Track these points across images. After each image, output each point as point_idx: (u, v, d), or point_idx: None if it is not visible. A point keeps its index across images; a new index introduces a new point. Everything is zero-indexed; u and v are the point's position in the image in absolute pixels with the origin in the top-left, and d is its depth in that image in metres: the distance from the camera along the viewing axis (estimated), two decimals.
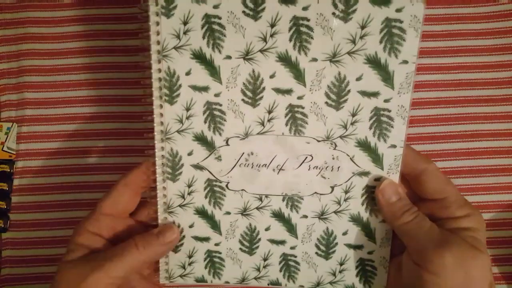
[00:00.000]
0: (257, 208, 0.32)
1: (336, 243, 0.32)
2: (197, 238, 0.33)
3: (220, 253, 0.33)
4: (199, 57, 0.29)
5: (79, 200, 0.41)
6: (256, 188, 0.31)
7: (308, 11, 0.28)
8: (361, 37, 0.28)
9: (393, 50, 0.28)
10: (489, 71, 0.42)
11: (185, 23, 0.28)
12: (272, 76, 0.29)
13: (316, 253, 0.33)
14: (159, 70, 0.29)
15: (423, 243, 0.28)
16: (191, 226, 0.32)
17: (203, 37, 0.29)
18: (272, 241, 0.33)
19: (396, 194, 0.30)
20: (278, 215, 0.32)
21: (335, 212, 0.32)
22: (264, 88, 0.29)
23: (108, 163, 0.42)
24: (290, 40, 0.28)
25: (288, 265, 0.33)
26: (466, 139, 0.41)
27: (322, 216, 0.32)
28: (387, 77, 0.29)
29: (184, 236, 0.33)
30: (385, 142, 0.30)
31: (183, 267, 0.33)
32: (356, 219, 0.32)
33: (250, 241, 0.33)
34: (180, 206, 0.32)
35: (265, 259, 0.33)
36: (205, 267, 0.33)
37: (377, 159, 0.30)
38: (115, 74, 0.42)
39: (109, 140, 0.42)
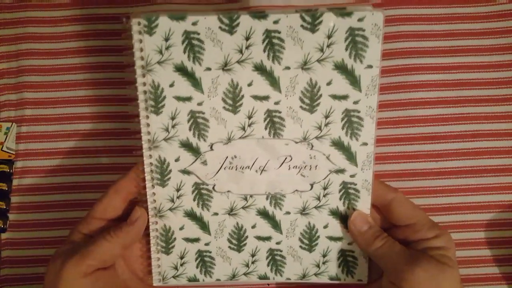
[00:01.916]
0: (243, 208, 0.34)
1: (318, 236, 0.35)
2: (187, 240, 0.35)
3: (210, 252, 0.35)
4: (181, 70, 0.31)
5: (78, 200, 0.41)
6: (241, 189, 0.34)
7: (279, 24, 0.30)
8: (328, 46, 0.31)
9: (358, 56, 0.31)
10: (489, 71, 0.42)
11: (166, 39, 0.31)
12: (249, 85, 0.32)
13: (300, 246, 0.35)
14: (144, 84, 0.32)
15: (396, 263, 0.31)
16: (181, 228, 0.34)
17: (184, 52, 0.31)
18: (259, 238, 0.35)
19: (366, 223, 0.33)
20: (263, 213, 0.34)
21: (316, 207, 0.34)
22: (243, 96, 0.32)
23: (108, 163, 0.42)
24: (264, 51, 0.31)
25: (275, 260, 0.35)
26: (466, 139, 0.42)
27: (303, 211, 0.34)
28: (354, 81, 0.31)
29: (175, 238, 0.35)
30: (357, 140, 0.33)
31: (176, 268, 0.35)
32: (335, 213, 0.34)
33: (238, 239, 0.35)
34: (170, 209, 0.34)
35: (253, 255, 0.35)
36: (197, 267, 0.35)
37: (351, 157, 0.33)
38: (115, 74, 0.42)
39: (109, 140, 0.42)
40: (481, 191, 0.42)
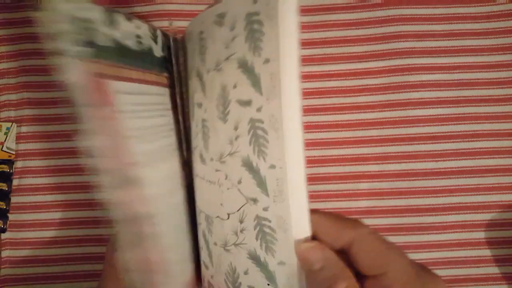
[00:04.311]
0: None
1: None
2: None
3: None
4: None
5: (78, 200, 0.41)
6: None
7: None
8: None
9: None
10: (489, 71, 0.42)
11: None
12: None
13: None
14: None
15: None
16: None
17: None
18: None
19: (319, 260, 0.22)
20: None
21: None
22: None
23: None
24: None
25: None
26: (466, 139, 0.41)
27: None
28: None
29: None
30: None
31: None
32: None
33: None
34: None
35: None
36: None
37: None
38: None
39: None
40: (481, 191, 0.42)
